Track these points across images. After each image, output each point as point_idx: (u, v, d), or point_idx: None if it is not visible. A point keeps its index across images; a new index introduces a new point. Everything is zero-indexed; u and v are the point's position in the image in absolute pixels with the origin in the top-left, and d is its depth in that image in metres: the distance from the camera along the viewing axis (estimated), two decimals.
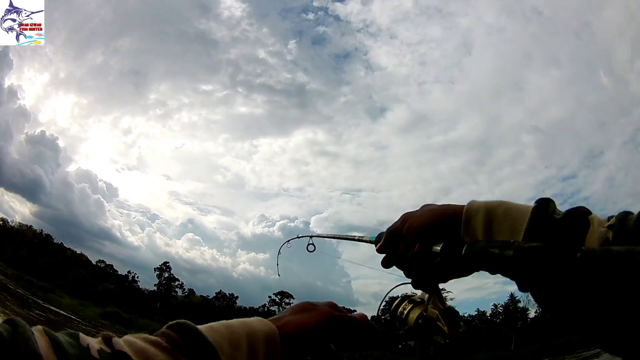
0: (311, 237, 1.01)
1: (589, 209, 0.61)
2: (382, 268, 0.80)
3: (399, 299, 0.77)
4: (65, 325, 23.48)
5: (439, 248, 0.69)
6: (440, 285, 0.76)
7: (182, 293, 60.81)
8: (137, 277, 60.98)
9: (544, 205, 0.62)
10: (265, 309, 59.31)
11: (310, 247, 1.00)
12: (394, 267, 0.78)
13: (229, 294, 62.08)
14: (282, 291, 61.76)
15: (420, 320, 0.72)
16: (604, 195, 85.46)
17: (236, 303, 60.48)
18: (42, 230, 60.56)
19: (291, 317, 0.63)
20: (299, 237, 1.07)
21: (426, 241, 0.71)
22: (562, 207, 0.61)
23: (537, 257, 0.54)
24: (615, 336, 0.53)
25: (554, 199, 0.62)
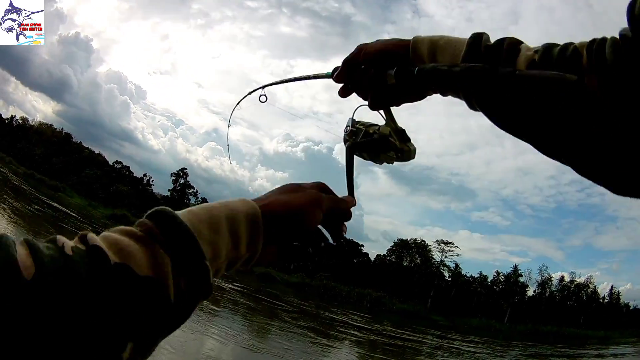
0: (263, 87, 1.00)
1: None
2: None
3: (351, 121, 0.82)
4: (64, 223, 24.75)
5: (392, 72, 0.74)
6: None
7: (195, 201, 61.97)
8: (152, 180, 63.52)
9: (479, 35, 0.70)
10: None
11: (262, 98, 1.00)
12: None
13: None
14: None
15: (375, 135, 0.78)
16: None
17: None
18: (62, 129, 63.20)
19: (276, 197, 0.62)
20: (250, 93, 1.03)
21: (381, 66, 0.76)
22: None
23: (481, 74, 0.62)
24: (544, 139, 0.64)
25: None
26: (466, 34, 0.70)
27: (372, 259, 60.83)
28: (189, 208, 0.53)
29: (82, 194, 45.70)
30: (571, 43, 0.62)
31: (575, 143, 0.60)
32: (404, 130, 0.77)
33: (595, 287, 52.38)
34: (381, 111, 0.79)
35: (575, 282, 52.83)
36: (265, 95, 0.99)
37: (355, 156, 0.80)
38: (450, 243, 55.16)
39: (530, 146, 0.66)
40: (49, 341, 0.37)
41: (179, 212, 0.51)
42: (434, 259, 55.20)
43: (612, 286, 52.77)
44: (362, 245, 63.93)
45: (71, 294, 0.39)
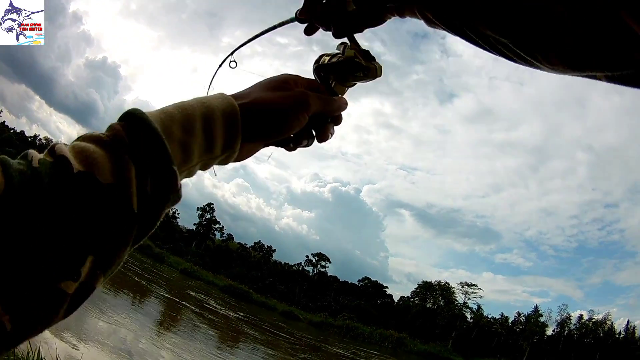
0: (232, 52, 0.97)
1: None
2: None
3: (318, 56, 0.81)
4: None
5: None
6: None
7: (220, 237, 62.93)
8: (178, 213, 63.32)
9: None
10: (300, 268, 60.43)
11: (232, 64, 0.97)
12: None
13: (267, 245, 62.99)
14: (320, 253, 62.48)
15: (340, 57, 0.77)
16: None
17: (272, 256, 61.60)
18: None
19: (258, 93, 0.58)
20: (222, 63, 0.98)
21: None
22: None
23: None
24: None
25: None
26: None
27: (396, 300, 60.48)
28: (163, 107, 0.50)
29: None
30: None
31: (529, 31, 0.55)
32: (368, 51, 0.77)
33: (612, 323, 52.40)
34: (345, 39, 0.78)
35: (594, 320, 52.76)
36: (235, 61, 0.98)
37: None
38: (474, 285, 55.27)
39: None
40: (8, 255, 0.36)
41: (151, 112, 0.48)
42: (457, 301, 54.97)
43: (628, 321, 52.58)
44: (387, 287, 63.75)
45: (34, 205, 0.38)
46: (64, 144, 0.44)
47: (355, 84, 0.79)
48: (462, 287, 55.22)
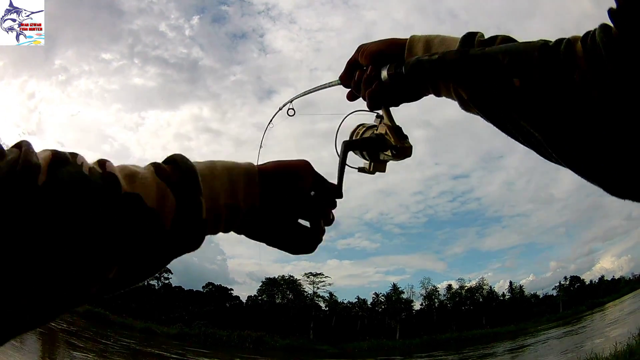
0: (291, 101, 1.03)
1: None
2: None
3: (355, 126, 0.86)
4: None
5: (386, 70, 0.76)
6: None
7: None
8: None
9: (473, 33, 0.69)
10: (146, 283, 56.58)
11: (290, 112, 1.02)
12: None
13: None
14: None
15: (372, 134, 0.81)
16: (500, 197, 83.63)
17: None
18: None
19: (272, 162, 0.67)
20: (280, 109, 1.04)
21: (377, 64, 0.78)
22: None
23: (454, 55, 0.65)
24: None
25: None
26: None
27: (244, 300, 60.50)
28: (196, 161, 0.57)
29: None
30: (564, 38, 0.59)
31: (565, 138, 0.57)
32: (400, 128, 0.78)
33: (491, 287, 52.94)
34: (381, 111, 0.80)
35: (466, 287, 53.02)
36: (293, 109, 1.03)
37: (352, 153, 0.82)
38: (320, 274, 56.01)
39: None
40: (45, 245, 0.38)
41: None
42: (307, 292, 55.74)
43: (510, 282, 53.73)
44: (232, 289, 63.03)
45: (78, 208, 0.41)
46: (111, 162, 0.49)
47: (386, 161, 0.82)
48: (308, 277, 56.22)
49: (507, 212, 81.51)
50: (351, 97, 0.84)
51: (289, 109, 1.02)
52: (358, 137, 0.83)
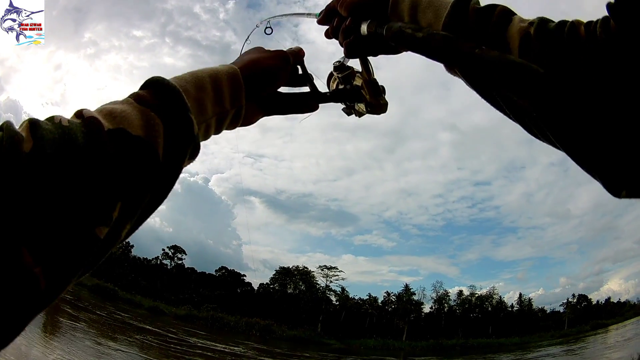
0: (268, 20, 1.06)
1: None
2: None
3: (333, 68, 0.82)
4: None
5: (365, 26, 0.73)
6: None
7: None
8: None
9: None
10: (159, 262, 57.60)
11: (268, 30, 1.07)
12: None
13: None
14: (175, 245, 59.68)
15: (347, 86, 0.80)
16: (518, 208, 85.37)
17: (131, 251, 58.05)
18: None
19: (249, 57, 0.71)
20: (257, 26, 1.08)
21: (357, 17, 0.75)
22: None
23: (441, 45, 0.62)
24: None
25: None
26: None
27: (256, 288, 60.19)
28: (176, 76, 0.58)
29: None
30: (567, 20, 0.58)
31: (560, 129, 0.55)
32: (376, 82, 0.77)
33: (500, 297, 53.28)
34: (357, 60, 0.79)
35: (477, 295, 53.36)
36: (270, 27, 1.07)
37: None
38: (334, 268, 55.95)
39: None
40: (46, 205, 0.39)
41: (169, 78, 0.56)
42: (319, 285, 55.62)
43: (520, 294, 54.23)
44: (245, 275, 62.87)
45: (67, 159, 0.41)
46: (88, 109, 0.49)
47: (362, 113, 0.81)
48: (322, 270, 56.24)
49: (523, 223, 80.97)
50: (328, 35, 0.84)
51: (266, 27, 1.07)
52: (334, 85, 0.83)
